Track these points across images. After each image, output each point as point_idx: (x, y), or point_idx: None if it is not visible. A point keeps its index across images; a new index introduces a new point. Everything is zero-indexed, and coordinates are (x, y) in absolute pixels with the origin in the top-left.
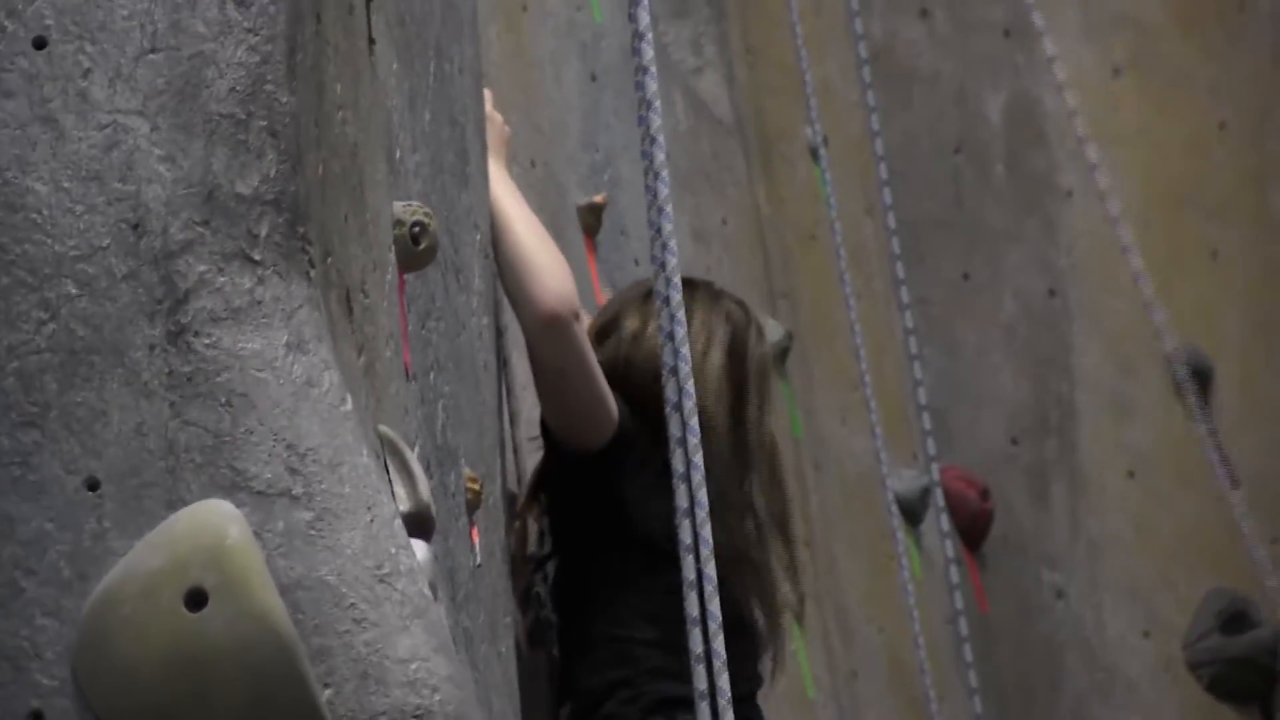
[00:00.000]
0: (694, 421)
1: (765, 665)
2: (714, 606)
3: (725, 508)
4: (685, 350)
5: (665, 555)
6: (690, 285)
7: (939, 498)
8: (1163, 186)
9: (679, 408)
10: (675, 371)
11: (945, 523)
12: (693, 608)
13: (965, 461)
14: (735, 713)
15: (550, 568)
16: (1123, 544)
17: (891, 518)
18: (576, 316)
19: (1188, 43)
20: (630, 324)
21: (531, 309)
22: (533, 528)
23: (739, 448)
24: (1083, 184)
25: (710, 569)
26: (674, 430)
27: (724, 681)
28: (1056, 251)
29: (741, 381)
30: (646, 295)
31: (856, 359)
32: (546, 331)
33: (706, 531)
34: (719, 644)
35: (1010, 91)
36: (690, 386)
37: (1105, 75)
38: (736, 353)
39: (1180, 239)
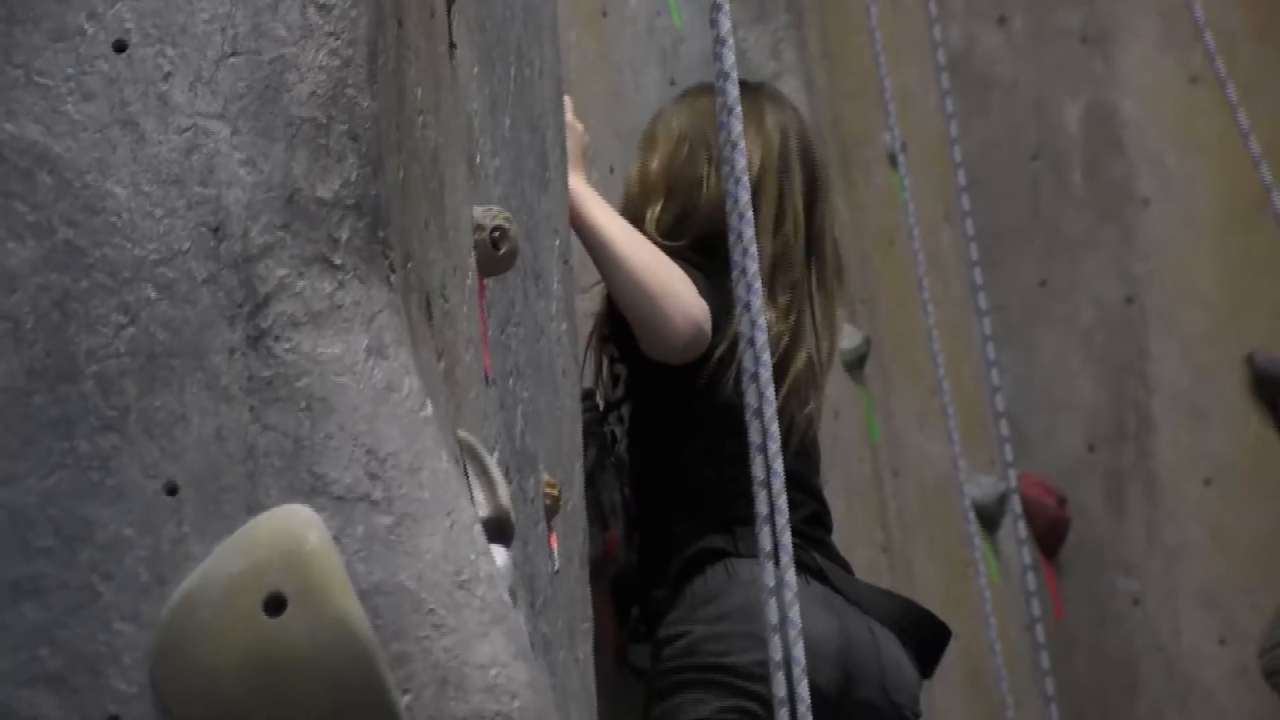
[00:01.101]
0: (774, 428)
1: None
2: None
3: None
4: (765, 356)
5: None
6: (753, 88)
7: (1016, 504)
8: (1240, 193)
9: (759, 413)
10: (756, 378)
11: (1022, 529)
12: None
13: (1042, 468)
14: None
15: (625, 410)
16: (1199, 551)
17: (968, 524)
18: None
19: (1265, 51)
20: (691, 171)
21: (666, 345)
22: (605, 369)
23: (812, 237)
24: (1160, 191)
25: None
26: (753, 437)
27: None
28: (1133, 258)
29: (813, 170)
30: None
31: (934, 365)
32: (683, 354)
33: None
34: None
35: (1088, 99)
36: (770, 393)
37: (1183, 83)
38: (808, 143)
39: (1257, 246)
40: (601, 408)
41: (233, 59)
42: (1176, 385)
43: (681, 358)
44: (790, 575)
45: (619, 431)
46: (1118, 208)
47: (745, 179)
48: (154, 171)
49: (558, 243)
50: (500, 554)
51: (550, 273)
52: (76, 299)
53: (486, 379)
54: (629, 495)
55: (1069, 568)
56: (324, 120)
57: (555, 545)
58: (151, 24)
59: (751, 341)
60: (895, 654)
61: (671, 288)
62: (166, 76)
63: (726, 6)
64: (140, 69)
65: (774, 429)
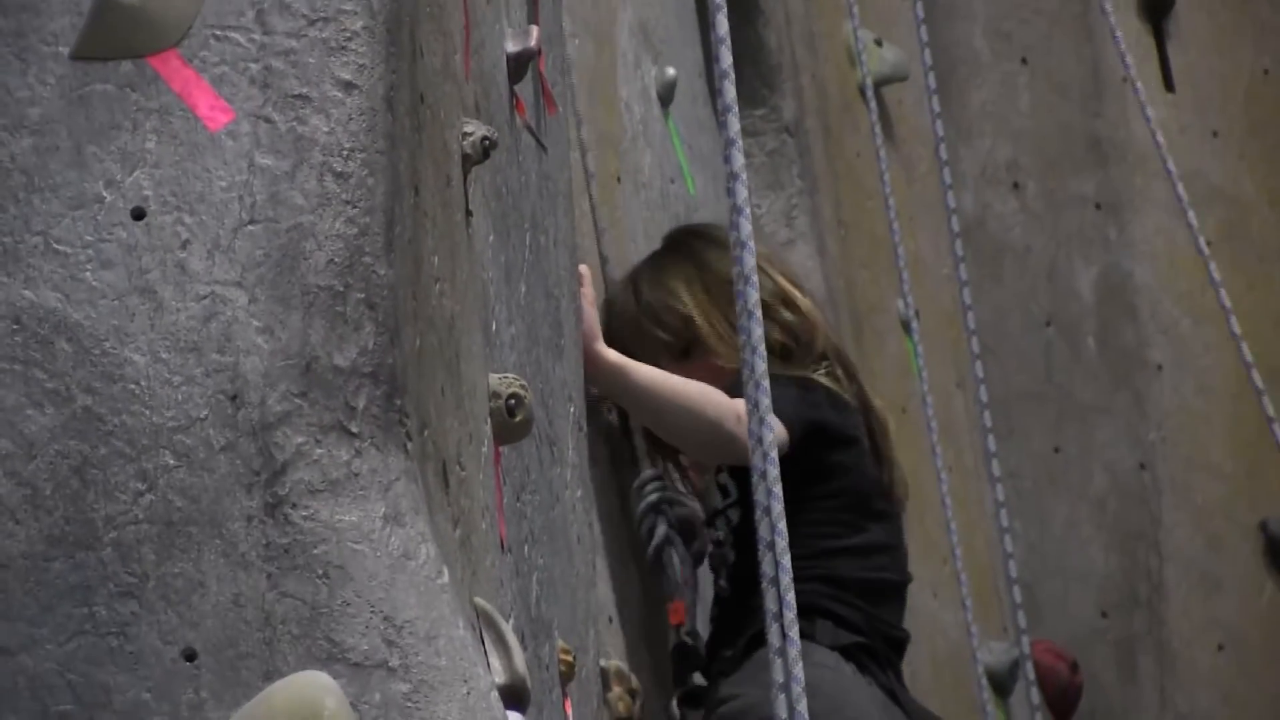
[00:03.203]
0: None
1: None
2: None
3: None
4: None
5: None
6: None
7: (1029, 671)
8: (1254, 361)
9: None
10: (765, 475)
11: (1035, 696)
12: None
13: (1055, 635)
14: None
15: (733, 514)
16: (1212, 719)
17: (981, 690)
18: (738, 417)
19: (1278, 218)
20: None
21: (717, 451)
22: (711, 483)
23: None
24: (1173, 358)
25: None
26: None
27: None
28: (1146, 425)
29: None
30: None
31: (947, 532)
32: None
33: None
34: None
35: (1101, 265)
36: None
37: (1196, 251)
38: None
39: (1271, 413)
40: (709, 515)
41: (250, 227)
42: (1189, 553)
43: (737, 455)
44: (794, 632)
45: (724, 534)
46: (1131, 375)
47: (758, 313)
48: (172, 339)
49: (573, 410)
50: None
51: (565, 440)
52: (95, 466)
53: (502, 546)
54: (725, 587)
55: None
56: (341, 289)
57: (570, 711)
58: (169, 191)
59: (760, 441)
60: None
61: (702, 399)
62: (184, 244)
63: (743, 176)
64: (158, 237)
65: (782, 525)
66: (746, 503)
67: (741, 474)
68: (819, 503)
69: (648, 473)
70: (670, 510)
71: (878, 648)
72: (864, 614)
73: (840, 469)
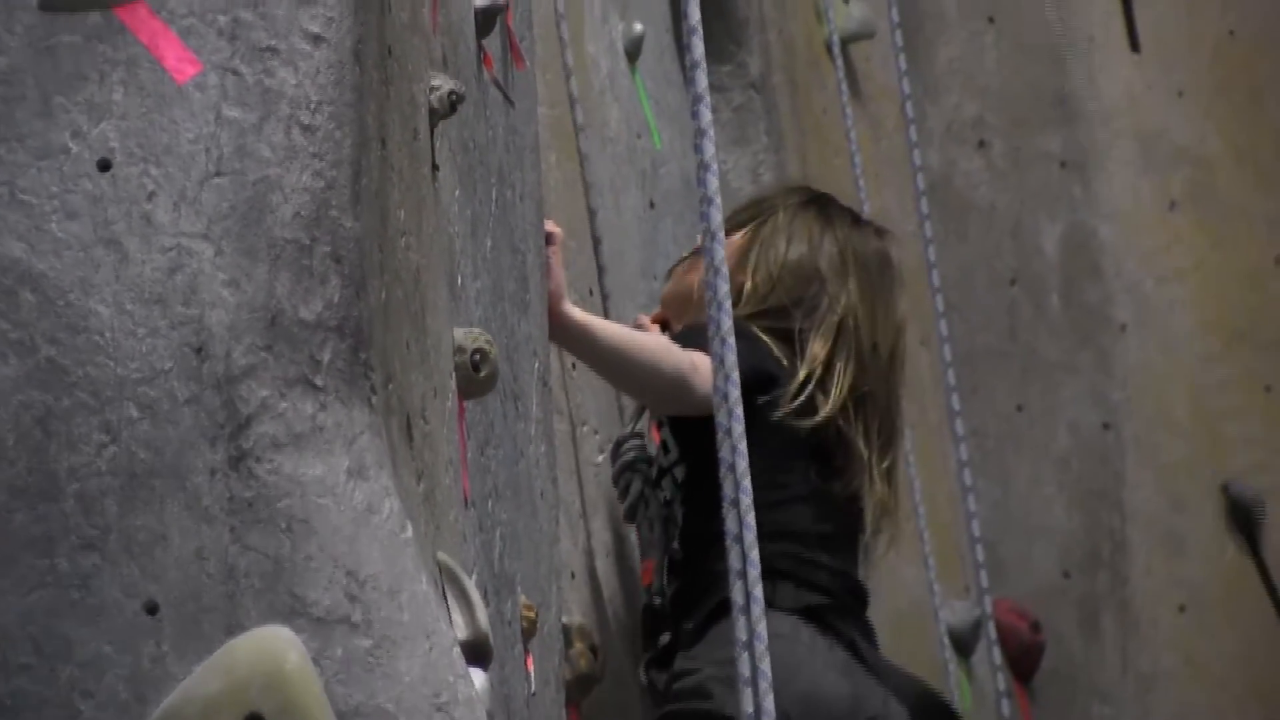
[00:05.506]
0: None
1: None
2: None
3: None
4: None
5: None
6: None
7: (990, 630)
8: (1218, 320)
9: (735, 503)
10: (733, 469)
11: (997, 655)
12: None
13: (1017, 594)
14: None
15: (678, 471)
16: (1174, 678)
17: (943, 649)
18: (693, 366)
19: (1244, 177)
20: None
21: (674, 403)
22: (651, 437)
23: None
24: (1138, 317)
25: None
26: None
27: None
28: (1111, 385)
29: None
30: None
31: (910, 491)
32: (690, 399)
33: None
34: None
35: (1066, 223)
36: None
37: (1161, 209)
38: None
39: (1235, 373)
40: (655, 474)
41: (217, 179)
42: (1152, 512)
43: (694, 404)
44: (762, 628)
45: (671, 493)
46: (1095, 333)
47: (730, 331)
48: (137, 291)
49: (537, 365)
50: (479, 677)
51: (530, 395)
52: (58, 417)
53: (466, 501)
54: (677, 549)
55: (1043, 693)
56: (307, 241)
57: (532, 668)
58: (136, 143)
59: (725, 397)
60: None
61: (662, 353)
62: (150, 196)
63: (710, 132)
64: (124, 188)
65: (746, 483)
66: (690, 459)
67: (682, 428)
68: (769, 452)
69: (627, 429)
70: (647, 469)
71: (843, 603)
72: (826, 570)
73: (783, 422)
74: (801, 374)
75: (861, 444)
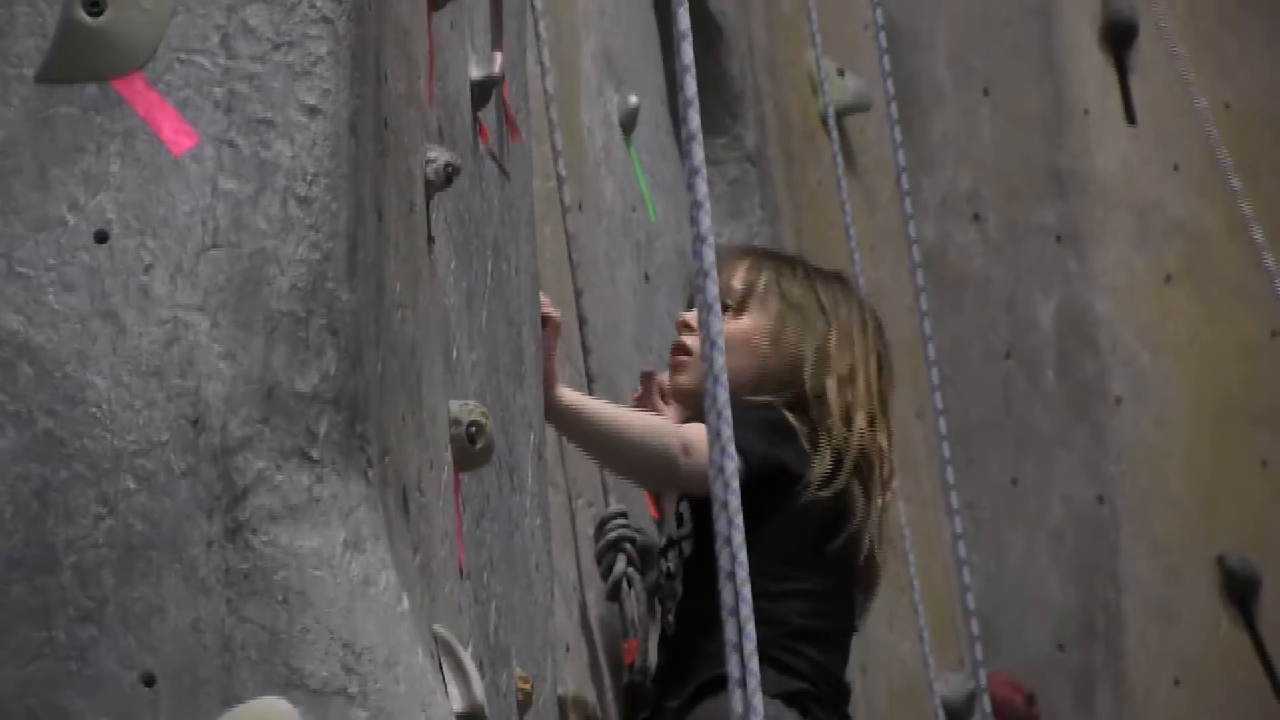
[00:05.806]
0: (742, 555)
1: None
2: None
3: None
4: (734, 484)
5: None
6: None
7: (985, 703)
8: (1213, 394)
9: (729, 541)
10: (726, 506)
11: None
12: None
13: (1011, 666)
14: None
15: (686, 545)
16: None
17: None
18: (685, 449)
19: (1239, 251)
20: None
21: (663, 481)
22: (669, 509)
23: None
24: (1132, 391)
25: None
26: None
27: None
28: (1105, 458)
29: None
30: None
31: (905, 563)
32: (688, 482)
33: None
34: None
35: (1061, 297)
36: (739, 521)
37: (1156, 283)
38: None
39: (1230, 447)
40: (663, 544)
41: (213, 251)
42: (1146, 585)
43: (680, 483)
44: (758, 701)
45: (674, 565)
46: (1090, 407)
47: (721, 342)
48: (134, 363)
49: (533, 438)
50: None
51: (525, 468)
52: (56, 489)
53: (461, 573)
54: (671, 622)
55: None
56: (304, 314)
57: None
58: (133, 215)
59: (721, 470)
60: None
61: (651, 432)
62: (147, 268)
63: (707, 205)
64: (121, 260)
65: (742, 556)
66: (700, 536)
67: (698, 506)
68: (769, 544)
69: (612, 509)
70: (631, 548)
71: (824, 694)
72: (809, 661)
73: (794, 511)
74: (828, 459)
75: (861, 499)
